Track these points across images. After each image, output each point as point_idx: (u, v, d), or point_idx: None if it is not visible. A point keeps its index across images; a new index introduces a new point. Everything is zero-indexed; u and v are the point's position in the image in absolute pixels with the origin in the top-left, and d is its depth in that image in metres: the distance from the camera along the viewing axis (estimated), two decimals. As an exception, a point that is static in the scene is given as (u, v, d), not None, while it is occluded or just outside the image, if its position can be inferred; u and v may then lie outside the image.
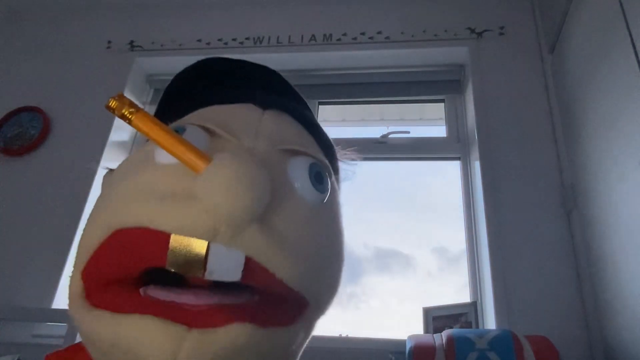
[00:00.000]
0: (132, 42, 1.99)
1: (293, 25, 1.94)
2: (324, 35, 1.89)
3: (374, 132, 1.88)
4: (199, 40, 1.95)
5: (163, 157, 0.34)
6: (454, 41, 1.80)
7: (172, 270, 0.29)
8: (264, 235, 0.30)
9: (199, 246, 0.28)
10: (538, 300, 1.35)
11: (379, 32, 1.85)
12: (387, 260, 1.84)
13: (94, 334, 0.31)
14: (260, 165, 0.30)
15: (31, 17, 2.15)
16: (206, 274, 0.28)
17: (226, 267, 0.28)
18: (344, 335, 1.46)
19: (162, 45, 1.96)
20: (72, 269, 0.36)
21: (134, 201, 0.32)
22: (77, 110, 1.87)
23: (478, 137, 1.60)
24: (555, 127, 1.58)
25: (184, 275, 0.30)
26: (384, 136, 1.82)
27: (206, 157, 0.30)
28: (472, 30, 1.79)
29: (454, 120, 1.84)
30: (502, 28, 1.78)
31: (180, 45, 1.96)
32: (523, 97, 1.66)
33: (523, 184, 1.51)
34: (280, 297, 0.32)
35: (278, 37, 1.92)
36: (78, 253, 0.35)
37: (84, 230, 0.36)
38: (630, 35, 1.07)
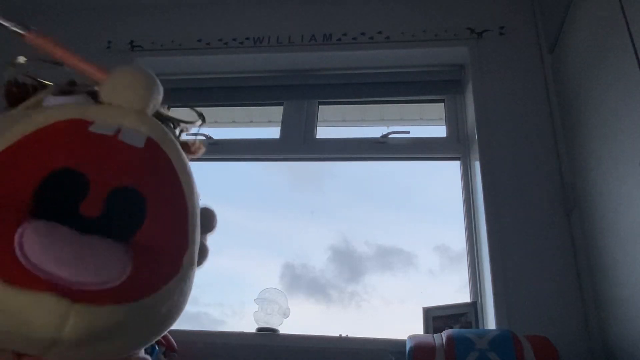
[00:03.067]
0: (132, 42, 1.99)
1: (293, 25, 1.94)
2: (324, 35, 1.89)
3: (374, 132, 1.88)
4: (199, 40, 1.95)
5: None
6: (454, 41, 1.80)
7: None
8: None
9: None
10: (538, 300, 1.35)
11: (379, 32, 1.85)
12: (389, 258, 1.84)
13: None
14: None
15: (31, 17, 2.15)
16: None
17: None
18: (344, 335, 1.46)
19: (162, 45, 1.96)
20: None
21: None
22: (77, 110, 1.87)
23: (478, 137, 1.60)
24: (555, 127, 1.58)
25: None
26: (384, 136, 1.82)
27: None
28: (472, 30, 1.79)
29: (454, 120, 1.84)
30: (502, 28, 1.78)
31: (180, 45, 1.96)
32: (523, 97, 1.66)
33: (523, 184, 1.51)
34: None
35: (278, 37, 1.92)
36: None
37: None
38: (630, 35, 1.07)
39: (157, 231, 0.33)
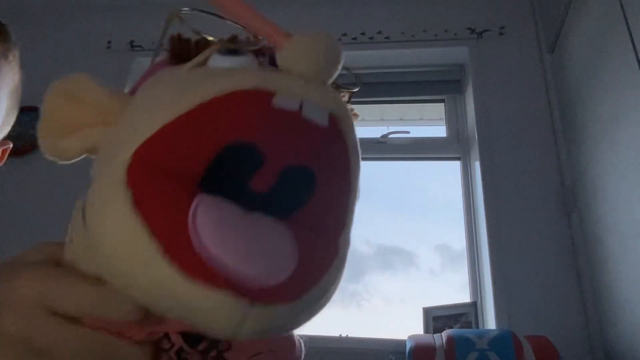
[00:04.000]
0: (132, 42, 1.99)
1: (293, 25, 1.93)
2: (324, 35, 1.89)
3: (374, 132, 1.88)
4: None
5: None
6: (454, 41, 1.80)
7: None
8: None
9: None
10: (538, 300, 1.35)
11: (379, 32, 1.85)
12: (390, 257, 1.84)
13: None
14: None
15: (31, 17, 2.15)
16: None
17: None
18: (344, 335, 1.46)
19: (162, 45, 1.96)
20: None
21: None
22: (77, 110, 1.87)
23: (478, 137, 1.60)
24: (555, 127, 1.58)
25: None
26: (384, 136, 1.82)
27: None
28: (472, 30, 1.79)
29: (454, 120, 1.84)
30: (502, 28, 1.78)
31: (180, 45, 1.95)
32: (523, 97, 1.65)
33: (523, 184, 1.51)
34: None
35: (278, 37, 1.92)
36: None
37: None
38: (630, 35, 1.07)
39: (320, 210, 0.32)
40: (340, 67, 0.33)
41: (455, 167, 1.77)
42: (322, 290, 0.32)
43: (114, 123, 0.33)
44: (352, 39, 1.86)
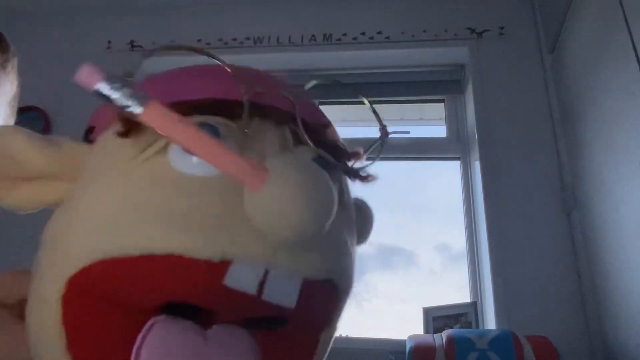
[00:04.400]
0: (132, 42, 1.99)
1: (293, 25, 1.94)
2: (324, 35, 1.89)
3: (374, 132, 1.88)
4: (199, 40, 1.95)
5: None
6: (454, 41, 1.79)
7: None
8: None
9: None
10: (538, 300, 1.35)
11: (379, 32, 1.85)
12: (390, 257, 1.84)
13: None
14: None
15: (31, 17, 2.15)
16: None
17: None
18: (344, 335, 1.46)
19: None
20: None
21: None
22: (77, 110, 1.86)
23: (478, 137, 1.60)
24: (555, 127, 1.58)
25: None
26: (384, 136, 1.81)
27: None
28: (472, 30, 1.79)
29: (454, 120, 1.84)
30: (502, 28, 1.78)
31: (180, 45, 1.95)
32: (523, 97, 1.65)
33: (523, 184, 1.51)
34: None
35: (278, 37, 1.92)
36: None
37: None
38: (630, 35, 1.07)
39: (293, 330, 0.28)
40: (330, 220, 0.24)
41: (455, 167, 1.77)
42: None
43: (72, 178, 0.30)
44: (352, 39, 1.86)
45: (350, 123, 2.10)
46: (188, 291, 0.24)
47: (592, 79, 1.29)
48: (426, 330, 1.44)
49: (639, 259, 1.05)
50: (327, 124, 0.36)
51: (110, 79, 0.24)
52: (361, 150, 0.37)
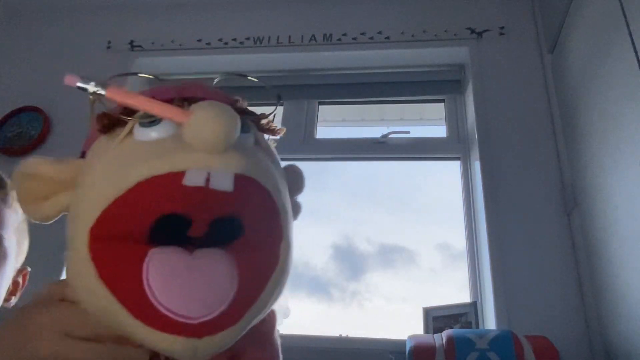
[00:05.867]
0: (132, 42, 1.99)
1: (293, 25, 1.94)
2: (324, 35, 1.89)
3: (374, 132, 1.88)
4: (199, 40, 1.95)
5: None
6: (454, 41, 1.80)
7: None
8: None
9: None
10: (538, 300, 1.35)
11: (379, 32, 1.85)
12: (391, 256, 1.84)
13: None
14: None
15: (31, 17, 2.15)
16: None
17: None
18: (344, 335, 1.46)
19: (162, 45, 1.96)
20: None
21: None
22: (77, 110, 1.87)
23: (478, 137, 1.60)
24: (555, 127, 1.58)
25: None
26: (384, 136, 1.82)
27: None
28: (472, 30, 1.79)
29: (454, 120, 1.84)
30: (502, 28, 1.78)
31: (180, 45, 1.96)
32: (523, 97, 1.66)
33: (523, 184, 1.51)
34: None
35: (278, 37, 1.92)
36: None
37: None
38: (630, 35, 1.07)
39: (255, 235, 0.40)
40: (237, 131, 0.38)
41: (455, 167, 1.77)
42: (266, 298, 0.40)
43: (75, 186, 0.43)
44: (352, 39, 1.86)
45: (350, 123, 2.10)
46: (166, 196, 0.36)
47: (592, 79, 1.29)
48: (426, 330, 1.44)
49: (639, 259, 1.05)
50: (238, 100, 0.52)
51: (85, 79, 0.40)
52: (265, 113, 0.54)
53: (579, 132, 1.38)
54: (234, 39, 1.94)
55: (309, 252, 1.80)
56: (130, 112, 0.42)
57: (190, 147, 0.37)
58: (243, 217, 0.39)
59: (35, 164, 0.45)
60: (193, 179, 0.36)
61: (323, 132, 1.93)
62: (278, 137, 0.55)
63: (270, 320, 0.55)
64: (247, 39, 1.93)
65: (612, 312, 1.17)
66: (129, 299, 0.36)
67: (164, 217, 0.37)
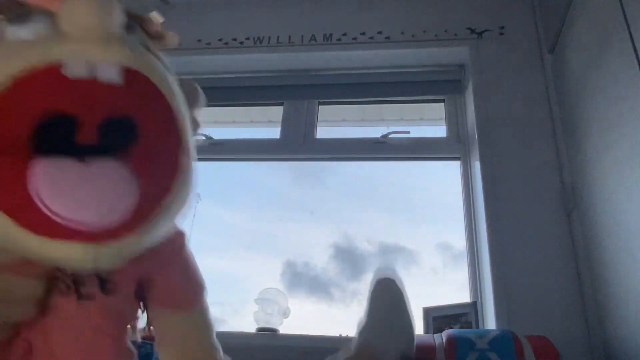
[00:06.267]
0: (132, 42, 1.99)
1: (293, 25, 1.94)
2: (324, 35, 1.89)
3: (374, 132, 1.88)
4: (199, 40, 1.95)
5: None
6: (454, 41, 1.80)
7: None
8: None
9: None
10: (538, 300, 1.35)
11: (379, 32, 1.85)
12: (391, 256, 1.84)
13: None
14: None
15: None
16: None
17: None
18: (344, 335, 1.46)
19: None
20: None
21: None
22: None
23: (478, 137, 1.60)
24: (555, 127, 1.58)
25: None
26: (384, 136, 1.82)
27: None
28: (472, 30, 1.79)
29: (454, 120, 1.84)
30: (502, 28, 1.78)
31: (180, 45, 1.95)
32: (523, 97, 1.65)
33: (523, 184, 1.51)
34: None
35: (278, 37, 1.92)
36: None
37: None
38: (630, 35, 1.07)
39: (152, 139, 0.36)
40: (116, 18, 0.35)
41: (455, 167, 1.77)
42: (169, 204, 0.37)
43: None
44: (352, 39, 1.86)
45: (350, 123, 2.10)
46: (47, 92, 0.33)
47: (592, 79, 1.29)
48: (426, 330, 1.44)
49: (639, 259, 1.05)
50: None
51: None
52: (152, 17, 0.52)
53: (579, 132, 1.38)
54: (234, 39, 1.94)
55: (309, 252, 1.80)
56: None
57: (69, 37, 0.34)
58: (136, 119, 0.35)
59: None
60: (74, 70, 0.33)
61: (323, 132, 1.93)
62: (170, 44, 0.53)
63: (176, 240, 0.51)
64: (247, 39, 1.93)
65: (612, 312, 1.17)
66: (16, 210, 0.33)
67: (48, 121, 0.33)
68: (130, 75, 0.35)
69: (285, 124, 1.92)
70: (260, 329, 1.48)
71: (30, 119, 0.32)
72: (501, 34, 1.77)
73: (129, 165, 0.34)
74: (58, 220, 0.32)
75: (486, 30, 1.79)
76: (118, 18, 0.35)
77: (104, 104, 0.34)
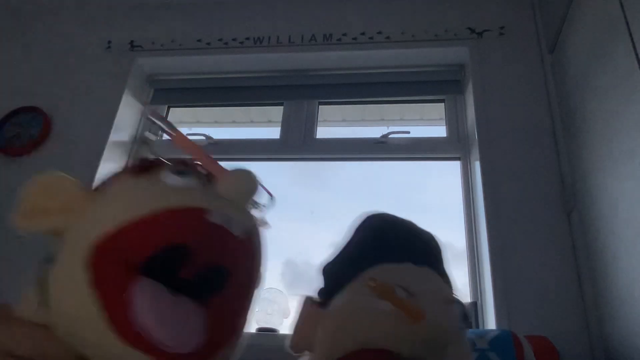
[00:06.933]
0: (132, 42, 1.99)
1: (293, 25, 1.94)
2: (324, 35, 1.89)
3: (374, 132, 1.88)
4: (199, 40, 1.95)
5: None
6: (454, 41, 1.80)
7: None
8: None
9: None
10: (538, 300, 1.35)
11: (379, 32, 1.85)
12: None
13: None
14: None
15: (31, 17, 2.15)
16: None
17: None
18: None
19: (162, 45, 1.96)
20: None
21: None
22: (77, 110, 1.87)
23: (478, 137, 1.60)
24: (555, 127, 1.58)
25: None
26: (384, 136, 1.82)
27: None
28: (472, 30, 1.79)
29: (454, 120, 1.84)
30: (502, 28, 1.78)
31: (180, 45, 1.96)
32: (523, 97, 1.65)
33: (523, 184, 1.51)
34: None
35: (278, 37, 1.92)
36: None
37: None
38: (630, 35, 1.07)
39: (230, 298, 0.43)
40: (255, 194, 0.46)
41: (455, 167, 1.77)
42: (236, 340, 0.44)
43: (76, 210, 0.44)
44: (352, 39, 1.86)
45: (350, 123, 2.10)
46: (184, 228, 0.40)
47: (592, 79, 1.29)
48: (426, 330, 1.44)
49: (639, 259, 1.05)
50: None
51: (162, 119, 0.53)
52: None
53: (579, 132, 1.38)
54: (234, 39, 1.94)
55: (309, 252, 1.80)
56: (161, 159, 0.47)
57: (219, 194, 0.43)
58: (232, 270, 0.42)
59: (63, 185, 0.46)
60: (217, 218, 0.41)
61: (323, 132, 1.93)
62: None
63: None
64: (247, 39, 1.93)
65: (612, 312, 1.17)
66: (113, 313, 0.37)
67: (166, 250, 0.38)
68: (248, 236, 0.43)
69: (285, 124, 1.92)
70: (260, 329, 1.48)
71: (154, 243, 0.39)
72: (501, 33, 1.77)
73: (206, 312, 0.40)
74: (146, 335, 0.37)
75: (486, 30, 1.79)
76: (254, 195, 0.46)
77: (222, 251, 0.41)
